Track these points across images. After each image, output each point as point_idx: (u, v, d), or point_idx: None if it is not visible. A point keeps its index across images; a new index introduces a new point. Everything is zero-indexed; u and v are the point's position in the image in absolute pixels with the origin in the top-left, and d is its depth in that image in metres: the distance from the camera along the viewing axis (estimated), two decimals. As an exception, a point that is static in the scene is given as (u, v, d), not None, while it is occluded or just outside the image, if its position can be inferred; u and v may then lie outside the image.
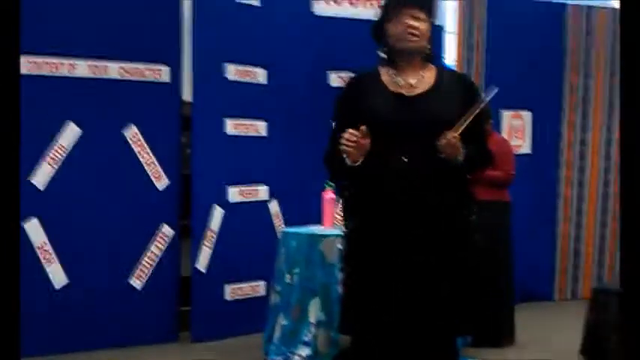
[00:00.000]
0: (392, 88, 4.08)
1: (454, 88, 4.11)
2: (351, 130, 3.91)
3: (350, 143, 3.92)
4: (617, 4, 10.14)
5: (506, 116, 9.11)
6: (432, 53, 4.19)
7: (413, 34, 4.05)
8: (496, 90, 4.08)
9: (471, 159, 4.03)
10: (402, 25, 4.05)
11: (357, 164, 3.97)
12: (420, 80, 4.09)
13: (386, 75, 4.12)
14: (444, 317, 4.01)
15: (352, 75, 4.24)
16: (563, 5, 9.58)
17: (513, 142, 8.55)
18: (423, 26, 4.07)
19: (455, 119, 3.97)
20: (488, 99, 4.09)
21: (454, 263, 4.02)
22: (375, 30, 4.17)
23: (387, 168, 3.98)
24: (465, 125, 3.92)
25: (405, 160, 3.95)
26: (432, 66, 4.17)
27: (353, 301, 4.07)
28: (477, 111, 3.97)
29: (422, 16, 4.08)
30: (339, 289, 6.05)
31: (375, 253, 3.99)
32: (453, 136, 3.89)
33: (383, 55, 4.13)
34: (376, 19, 4.20)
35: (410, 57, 4.10)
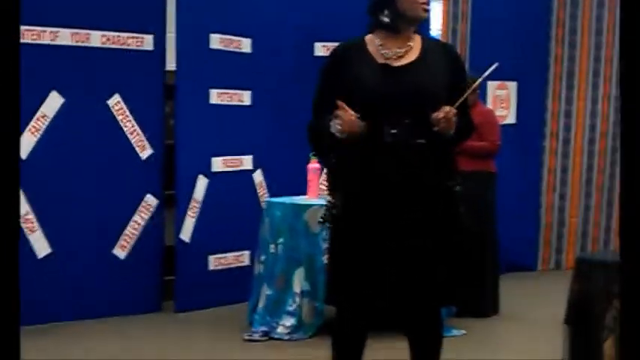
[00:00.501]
0: (378, 58, 4.04)
1: (440, 59, 4.08)
2: (343, 112, 3.87)
3: (348, 123, 3.88)
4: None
5: (492, 86, 9.09)
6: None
7: (426, 4, 4.05)
8: (497, 66, 4.08)
9: (460, 131, 4.01)
10: None
11: (345, 135, 3.95)
12: (407, 50, 4.06)
13: (372, 45, 4.07)
14: (430, 290, 4.01)
15: (338, 44, 4.18)
16: (549, -25, 9.56)
17: (498, 113, 8.55)
18: None
19: (441, 90, 3.96)
20: (488, 74, 4.09)
21: (449, 246, 4.02)
22: None
23: (376, 141, 3.95)
24: (462, 100, 3.92)
25: (394, 132, 3.92)
26: (418, 36, 4.14)
27: (341, 276, 4.04)
28: (476, 86, 3.98)
29: None
30: (324, 259, 6.06)
31: (367, 232, 3.96)
32: (450, 110, 3.88)
33: (386, 19, 4.05)
34: None
35: (412, 25, 4.07)
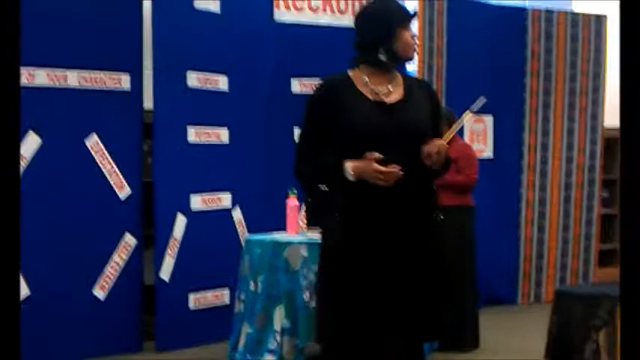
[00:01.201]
0: (370, 95, 4.05)
1: (422, 96, 4.13)
2: (378, 168, 3.88)
3: (387, 176, 3.90)
4: (576, 8, 10.25)
5: (468, 121, 9.13)
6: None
7: (413, 46, 4.11)
8: (484, 101, 4.14)
9: (443, 165, 4.05)
10: (410, 34, 4.08)
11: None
12: (394, 87, 4.09)
13: (360, 81, 4.08)
14: (415, 325, 4.03)
15: (321, 81, 4.15)
16: (523, 9, 9.64)
17: (475, 147, 8.58)
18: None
19: (428, 126, 4.02)
20: (476, 109, 4.14)
21: (432, 273, 4.04)
22: (385, 31, 4.06)
23: None
24: (451, 134, 3.98)
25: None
26: (398, 73, 4.18)
27: (336, 313, 4.03)
28: (465, 122, 4.03)
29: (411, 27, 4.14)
30: (305, 296, 6.08)
31: (361, 265, 3.97)
32: (443, 145, 3.92)
33: (383, 57, 4.05)
34: (381, 19, 4.08)
35: (400, 64, 4.14)
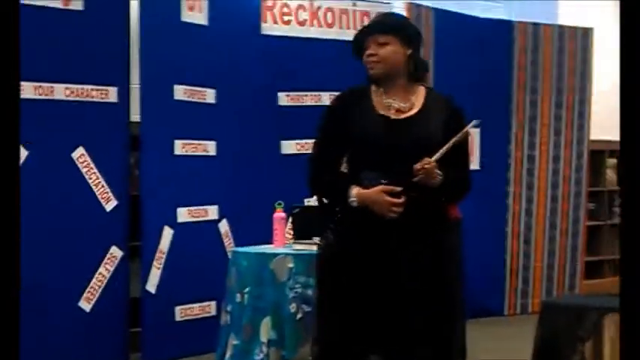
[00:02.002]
0: (380, 109, 4.06)
1: (440, 113, 4.09)
2: (392, 200, 3.91)
3: (397, 208, 3.92)
4: (562, 21, 10.29)
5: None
6: (419, 74, 4.16)
7: (369, 62, 4.08)
8: (479, 122, 4.14)
9: (447, 186, 4.01)
10: (366, 54, 4.08)
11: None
12: (408, 103, 4.08)
13: (375, 95, 4.10)
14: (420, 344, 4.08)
15: (340, 93, 4.21)
16: (510, 23, 9.67)
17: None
18: (383, 51, 4.05)
19: (435, 145, 3.96)
20: (469, 129, 4.13)
21: (437, 291, 4.06)
22: (355, 49, 4.16)
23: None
24: (443, 153, 3.93)
25: (384, 182, 3.94)
26: (422, 88, 4.16)
27: (328, 321, 4.08)
28: (457, 140, 3.98)
29: (384, 39, 4.06)
30: (291, 307, 6.09)
31: (354, 278, 3.99)
32: (428, 162, 3.90)
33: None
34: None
35: (386, 81, 4.10)
